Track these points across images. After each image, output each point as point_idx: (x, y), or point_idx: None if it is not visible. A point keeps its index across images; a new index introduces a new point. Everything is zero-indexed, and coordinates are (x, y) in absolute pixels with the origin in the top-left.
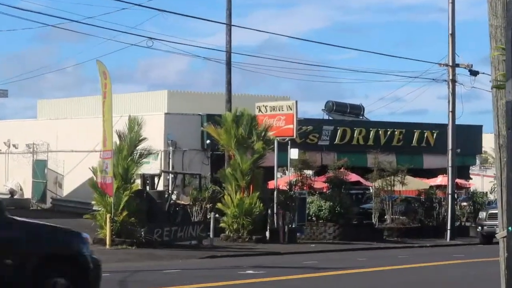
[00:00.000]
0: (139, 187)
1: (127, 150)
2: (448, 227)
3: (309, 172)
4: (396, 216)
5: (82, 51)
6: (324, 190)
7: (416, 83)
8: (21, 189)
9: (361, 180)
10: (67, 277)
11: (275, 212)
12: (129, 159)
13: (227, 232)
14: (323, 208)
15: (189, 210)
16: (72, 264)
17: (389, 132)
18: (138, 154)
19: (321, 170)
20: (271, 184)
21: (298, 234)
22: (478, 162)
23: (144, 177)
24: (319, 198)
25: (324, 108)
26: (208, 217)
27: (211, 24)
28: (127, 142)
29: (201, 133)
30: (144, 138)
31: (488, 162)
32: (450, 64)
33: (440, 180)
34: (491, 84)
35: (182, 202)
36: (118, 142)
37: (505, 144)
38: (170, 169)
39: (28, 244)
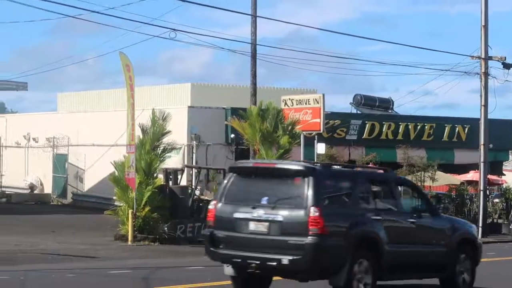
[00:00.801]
0: (162, 182)
1: (150, 144)
2: (480, 224)
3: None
4: None
5: (103, 43)
6: None
7: (447, 76)
8: (41, 184)
9: None
10: (468, 255)
11: None
12: (152, 153)
13: None
14: None
15: None
16: (470, 245)
17: (419, 127)
18: (161, 148)
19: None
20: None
21: None
22: (511, 157)
23: (167, 172)
24: None
25: (352, 101)
26: None
27: (236, 15)
28: (150, 136)
29: (225, 127)
30: (168, 132)
31: None
32: (483, 56)
33: (471, 175)
34: None
35: (206, 198)
36: (141, 136)
37: None
38: (194, 163)
39: (453, 231)
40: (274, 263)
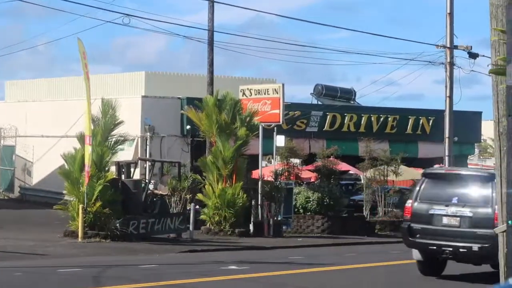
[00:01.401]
0: (114, 176)
1: (102, 135)
2: None
3: (296, 160)
4: (389, 209)
5: (54, 28)
6: (312, 180)
7: (411, 65)
8: None
9: (352, 169)
10: None
11: (259, 203)
12: (103, 145)
13: (208, 224)
14: (310, 199)
15: (167, 201)
16: None
17: (382, 119)
18: (113, 140)
19: (309, 159)
20: (256, 174)
21: (284, 227)
22: (476, 151)
23: (119, 165)
24: (307, 188)
25: (312, 92)
26: (188, 208)
27: (193, 0)
28: (102, 127)
29: (181, 118)
30: (121, 122)
31: (487, 152)
32: (448, 45)
33: None
34: (490, 68)
35: (160, 192)
36: (92, 127)
37: (505, 131)
38: (147, 156)
39: None
40: (465, 250)
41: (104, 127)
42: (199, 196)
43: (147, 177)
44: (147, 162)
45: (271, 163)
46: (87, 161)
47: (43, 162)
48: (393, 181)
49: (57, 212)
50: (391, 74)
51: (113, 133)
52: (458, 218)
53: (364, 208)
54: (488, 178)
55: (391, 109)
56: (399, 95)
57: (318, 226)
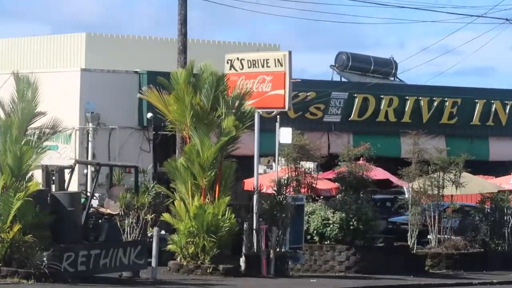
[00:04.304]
0: (40, 187)
1: (18, 127)
2: None
3: (309, 165)
4: (447, 236)
5: None
6: (333, 194)
7: (478, 25)
8: None
9: (392, 178)
10: None
11: (254, 228)
12: (23, 141)
13: (179, 259)
14: (330, 222)
15: (118, 223)
16: None
17: (436, 103)
18: (36, 133)
19: (328, 162)
20: (249, 184)
21: (290, 262)
22: None
23: (47, 171)
24: (325, 206)
25: (334, 64)
26: (149, 234)
27: None
28: (18, 115)
29: (139, 101)
30: (43, 113)
31: None
32: None
33: None
34: None
35: (108, 211)
36: (3, 116)
37: None
38: (89, 158)
39: None
40: None
41: (22, 116)
42: (166, 216)
43: (89, 189)
44: (89, 166)
45: (272, 168)
46: None
47: None
48: (451, 195)
49: None
50: (449, 38)
51: (37, 124)
52: None
53: (409, 234)
54: None
55: (450, 89)
56: (460, 69)
57: (341, 261)
